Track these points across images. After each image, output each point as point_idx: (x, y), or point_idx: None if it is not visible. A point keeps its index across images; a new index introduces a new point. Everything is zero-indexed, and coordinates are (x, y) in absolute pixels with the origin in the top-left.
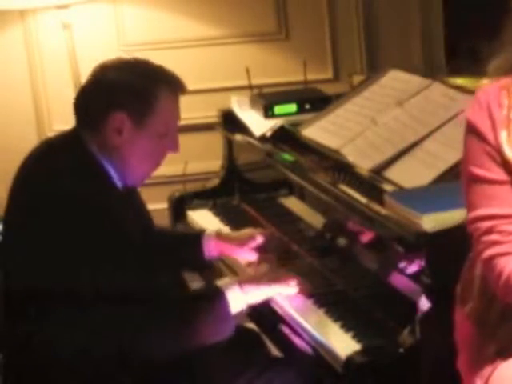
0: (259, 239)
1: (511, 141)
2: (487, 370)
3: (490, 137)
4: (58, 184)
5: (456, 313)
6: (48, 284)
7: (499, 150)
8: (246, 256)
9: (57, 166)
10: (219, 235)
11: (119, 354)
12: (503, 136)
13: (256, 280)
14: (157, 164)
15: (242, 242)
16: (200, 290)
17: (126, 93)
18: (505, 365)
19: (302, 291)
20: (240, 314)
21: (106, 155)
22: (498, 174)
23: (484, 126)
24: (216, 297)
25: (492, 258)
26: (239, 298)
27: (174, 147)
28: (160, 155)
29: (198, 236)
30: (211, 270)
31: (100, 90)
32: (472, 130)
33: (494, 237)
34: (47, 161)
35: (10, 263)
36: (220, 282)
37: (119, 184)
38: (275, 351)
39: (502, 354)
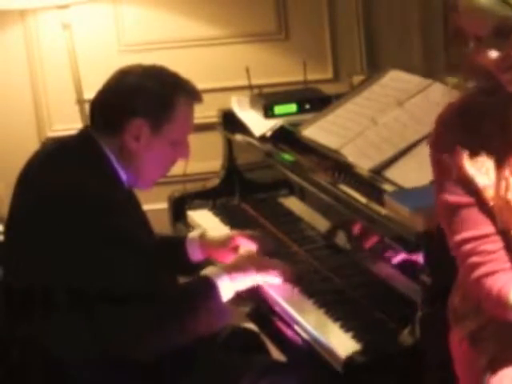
0: (238, 240)
1: (472, 160)
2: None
3: (451, 161)
4: (67, 183)
5: (451, 332)
6: (51, 283)
7: (461, 171)
8: (228, 257)
9: (67, 164)
10: (202, 238)
11: (120, 354)
12: (464, 156)
13: (242, 267)
14: (167, 170)
15: (223, 244)
16: (191, 283)
17: (147, 99)
18: (500, 374)
19: (286, 276)
20: (231, 301)
21: (119, 158)
22: (466, 196)
23: (444, 153)
24: (209, 289)
25: (478, 279)
26: (228, 287)
27: (185, 155)
28: (171, 162)
29: (181, 240)
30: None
31: (121, 95)
32: (434, 159)
33: (475, 259)
34: (57, 160)
35: (14, 262)
36: (206, 271)
37: (126, 185)
38: (275, 351)
39: (491, 366)
